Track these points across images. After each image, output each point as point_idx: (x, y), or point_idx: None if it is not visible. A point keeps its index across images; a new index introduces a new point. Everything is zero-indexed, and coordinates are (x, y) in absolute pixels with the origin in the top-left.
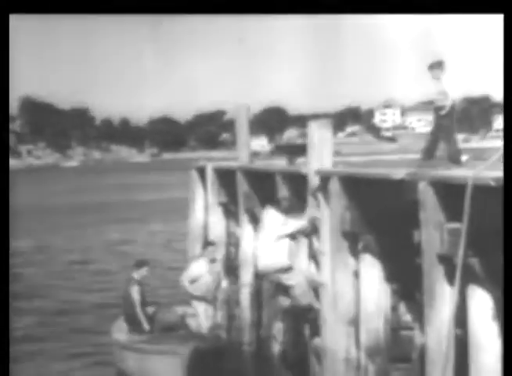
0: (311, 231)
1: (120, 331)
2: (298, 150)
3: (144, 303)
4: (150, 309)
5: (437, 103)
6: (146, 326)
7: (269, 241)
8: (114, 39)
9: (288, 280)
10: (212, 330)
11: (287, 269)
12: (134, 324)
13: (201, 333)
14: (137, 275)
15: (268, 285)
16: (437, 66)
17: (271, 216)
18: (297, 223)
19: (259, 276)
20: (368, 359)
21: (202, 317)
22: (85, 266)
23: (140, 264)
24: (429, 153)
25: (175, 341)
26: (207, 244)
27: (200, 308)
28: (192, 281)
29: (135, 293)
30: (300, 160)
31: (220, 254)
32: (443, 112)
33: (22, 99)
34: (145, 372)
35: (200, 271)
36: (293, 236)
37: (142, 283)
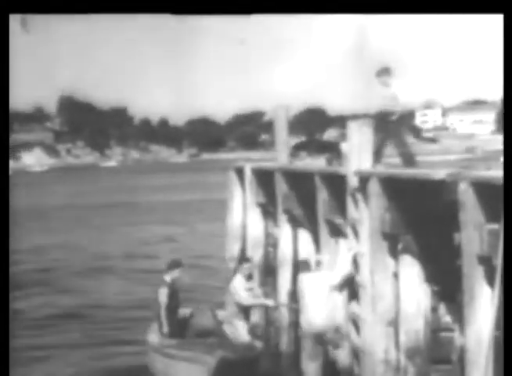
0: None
1: (153, 333)
2: (322, 148)
3: (173, 306)
4: (184, 312)
5: (386, 108)
6: (165, 329)
7: (316, 298)
8: (152, 38)
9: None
10: (250, 337)
11: (337, 330)
12: (160, 327)
13: (234, 341)
14: (168, 277)
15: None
16: (384, 73)
17: (308, 281)
18: (342, 271)
19: (304, 335)
20: (407, 360)
21: (240, 328)
22: (119, 265)
23: (172, 265)
24: (376, 156)
25: (204, 348)
26: (244, 260)
27: (239, 322)
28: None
29: (163, 295)
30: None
31: (255, 270)
32: (394, 117)
33: (61, 98)
34: None
35: (240, 287)
36: (341, 287)
37: (173, 286)
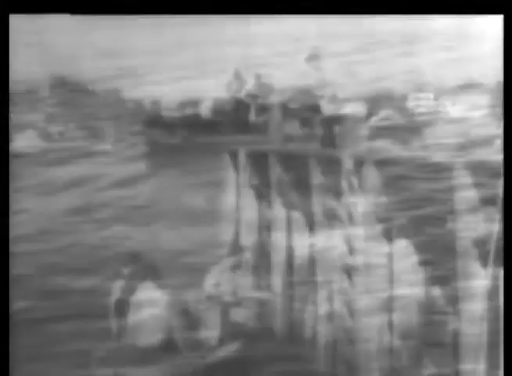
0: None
1: None
2: None
3: None
4: None
5: (316, 91)
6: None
7: None
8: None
9: None
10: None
11: None
12: None
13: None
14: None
15: None
16: (313, 59)
17: None
18: None
19: None
20: (401, 343)
21: None
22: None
23: (129, 259)
24: (328, 141)
25: None
26: (237, 249)
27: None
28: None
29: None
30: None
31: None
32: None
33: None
34: None
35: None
36: None
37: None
